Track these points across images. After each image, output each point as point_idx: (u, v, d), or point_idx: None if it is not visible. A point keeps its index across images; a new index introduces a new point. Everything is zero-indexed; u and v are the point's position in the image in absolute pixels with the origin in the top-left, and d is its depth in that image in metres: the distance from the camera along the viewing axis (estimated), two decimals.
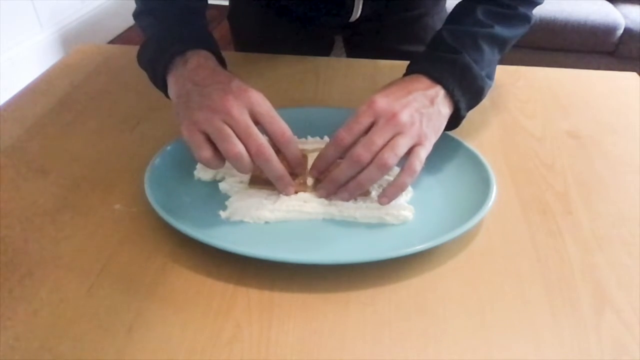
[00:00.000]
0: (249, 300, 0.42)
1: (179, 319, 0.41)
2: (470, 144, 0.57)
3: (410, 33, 0.89)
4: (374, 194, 0.51)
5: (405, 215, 0.49)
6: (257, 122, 0.47)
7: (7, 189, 0.54)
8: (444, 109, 0.53)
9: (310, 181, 0.51)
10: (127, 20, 2.80)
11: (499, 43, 0.60)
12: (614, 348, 0.39)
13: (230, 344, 0.39)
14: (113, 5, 2.74)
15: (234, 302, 0.42)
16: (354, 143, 0.48)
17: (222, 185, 0.53)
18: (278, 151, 0.48)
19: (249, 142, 0.46)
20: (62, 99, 0.70)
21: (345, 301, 0.42)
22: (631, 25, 2.14)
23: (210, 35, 0.58)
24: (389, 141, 0.47)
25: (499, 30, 0.59)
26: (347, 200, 0.49)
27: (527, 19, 0.62)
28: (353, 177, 0.48)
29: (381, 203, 0.48)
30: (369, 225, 0.49)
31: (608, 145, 0.62)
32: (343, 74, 0.77)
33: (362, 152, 0.47)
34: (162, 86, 0.55)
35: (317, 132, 0.59)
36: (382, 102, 0.49)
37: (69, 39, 2.40)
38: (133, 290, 0.43)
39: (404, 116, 0.48)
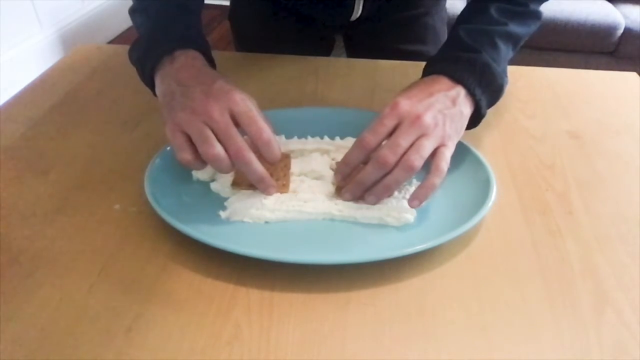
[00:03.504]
0: (249, 300, 0.42)
1: (179, 319, 0.41)
2: (470, 144, 0.57)
3: (411, 32, 0.89)
4: (397, 194, 0.51)
5: (407, 218, 0.48)
6: (237, 124, 0.47)
7: (7, 189, 0.54)
8: (465, 109, 0.53)
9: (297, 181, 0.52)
10: (127, 20, 2.79)
11: (514, 40, 0.60)
12: (614, 348, 0.39)
13: (230, 344, 0.39)
14: (113, 5, 2.73)
15: (234, 302, 0.42)
16: (378, 146, 0.49)
17: (214, 185, 0.53)
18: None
19: (228, 144, 0.46)
20: (62, 99, 0.70)
21: (345, 301, 0.42)
22: (631, 25, 2.14)
23: (201, 35, 0.58)
24: (413, 143, 0.48)
25: (513, 27, 0.59)
26: (374, 203, 0.49)
27: (538, 15, 0.63)
28: (378, 180, 0.48)
29: (412, 206, 0.48)
30: (369, 225, 0.49)
31: (608, 145, 0.62)
32: (343, 74, 0.77)
33: (388, 154, 0.47)
34: (150, 84, 0.55)
35: (317, 132, 0.59)
36: (406, 104, 0.49)
37: (69, 39, 2.40)
38: (133, 290, 0.43)
39: (428, 118, 0.48)
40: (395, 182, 0.48)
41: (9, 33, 2.07)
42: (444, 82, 0.53)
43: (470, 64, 0.54)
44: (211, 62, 0.56)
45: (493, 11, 0.59)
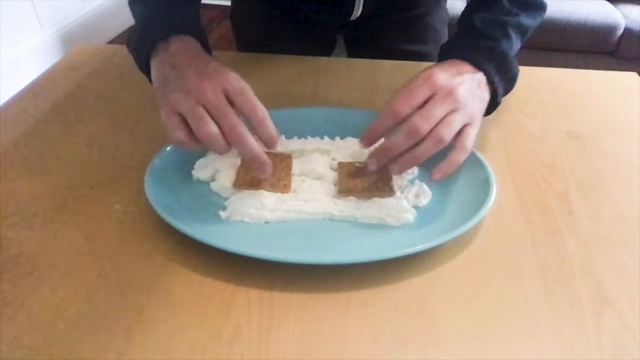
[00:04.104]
0: (249, 300, 0.42)
1: (179, 319, 0.41)
2: None
3: (411, 33, 0.89)
4: (399, 194, 0.51)
5: (407, 218, 0.49)
6: (232, 104, 0.47)
7: (8, 189, 0.54)
8: (485, 95, 0.54)
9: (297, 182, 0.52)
10: (127, 20, 2.80)
11: (523, 32, 0.60)
12: (614, 348, 0.39)
13: (230, 344, 0.39)
14: (113, 5, 2.73)
15: (234, 302, 0.42)
16: (408, 116, 0.48)
17: (214, 185, 0.53)
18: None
19: (222, 122, 0.45)
20: (62, 99, 0.70)
21: (345, 301, 0.42)
22: (631, 25, 2.14)
23: (197, 23, 0.58)
24: (444, 116, 0.47)
25: (524, 19, 0.60)
26: (398, 173, 0.49)
27: (544, 7, 0.64)
28: (406, 151, 0.48)
29: (435, 178, 0.48)
30: (369, 225, 0.49)
31: (608, 145, 0.62)
32: (343, 74, 0.77)
33: (422, 124, 0.46)
34: (147, 71, 0.55)
35: (317, 132, 0.59)
36: (441, 76, 0.49)
37: (69, 39, 2.40)
38: (133, 290, 0.43)
39: (462, 93, 0.48)
40: (423, 154, 0.47)
41: (9, 33, 2.07)
42: (467, 66, 0.53)
43: (489, 52, 0.55)
44: (207, 49, 0.56)
45: (505, 1, 0.60)
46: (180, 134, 0.46)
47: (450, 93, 0.48)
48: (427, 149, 0.47)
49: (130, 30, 0.58)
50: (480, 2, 0.62)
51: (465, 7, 0.63)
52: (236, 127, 0.45)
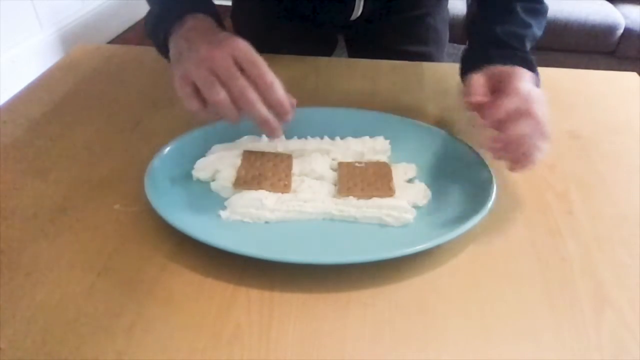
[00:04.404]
0: (249, 300, 0.42)
1: (179, 319, 0.41)
2: (471, 144, 0.57)
3: (413, 33, 0.89)
4: (398, 194, 0.51)
5: (406, 218, 0.49)
6: (242, 70, 0.47)
7: (7, 189, 0.54)
8: None
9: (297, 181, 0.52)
10: (127, 20, 2.80)
11: (532, 41, 0.63)
12: (614, 348, 0.39)
13: (230, 344, 0.39)
14: (113, 5, 2.73)
15: (234, 302, 0.42)
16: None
17: (214, 185, 0.53)
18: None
19: (231, 87, 0.46)
20: (62, 99, 0.70)
21: (345, 301, 0.42)
22: (631, 25, 2.14)
23: (210, 2, 0.59)
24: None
25: (536, 30, 0.63)
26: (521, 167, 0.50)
27: (547, 11, 0.65)
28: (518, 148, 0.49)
29: (512, 169, 0.49)
30: (369, 225, 0.49)
31: (608, 145, 0.62)
32: (343, 74, 0.77)
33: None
34: (165, 52, 0.56)
35: (317, 132, 0.59)
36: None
37: (69, 39, 2.40)
38: (133, 290, 0.43)
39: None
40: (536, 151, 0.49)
41: (9, 33, 2.07)
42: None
43: (525, 61, 0.57)
44: (221, 26, 0.57)
45: (521, 12, 0.62)
46: (194, 103, 0.48)
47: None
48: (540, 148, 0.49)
49: (145, 18, 0.59)
50: (496, 12, 0.63)
51: (478, 16, 0.65)
52: (244, 92, 0.46)
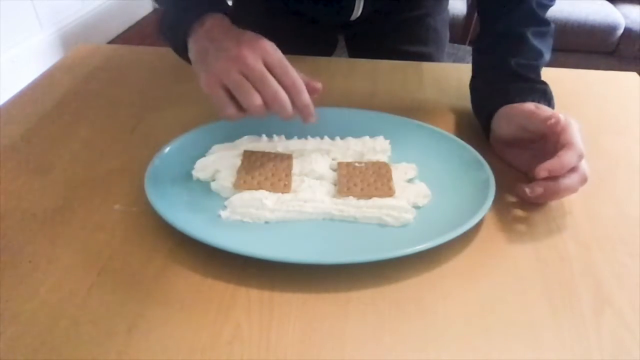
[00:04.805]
0: (249, 300, 0.42)
1: (179, 319, 0.41)
2: (470, 144, 0.57)
3: (412, 33, 0.89)
4: (398, 194, 0.51)
5: (406, 218, 0.49)
6: (270, 70, 0.49)
7: (7, 189, 0.54)
8: None
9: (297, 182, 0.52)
10: (127, 20, 2.80)
11: (544, 65, 0.64)
12: (614, 348, 0.39)
13: (230, 344, 0.39)
14: (113, 5, 2.73)
15: (234, 302, 0.42)
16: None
17: (214, 185, 0.53)
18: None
19: (265, 90, 0.49)
20: (62, 99, 0.70)
21: (345, 301, 0.42)
22: (631, 25, 2.14)
23: (225, 2, 0.61)
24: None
25: (546, 55, 0.64)
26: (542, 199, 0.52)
27: (554, 32, 0.66)
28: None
29: (538, 175, 0.49)
30: (369, 225, 0.49)
31: (608, 145, 0.62)
32: (343, 74, 0.77)
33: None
34: (183, 52, 0.57)
35: (317, 132, 0.59)
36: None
37: (69, 39, 2.40)
38: (133, 290, 0.43)
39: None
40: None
41: (9, 33, 2.07)
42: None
43: (544, 93, 0.59)
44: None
45: (532, 39, 0.62)
46: (231, 111, 0.50)
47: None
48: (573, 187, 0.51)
49: (160, 18, 0.60)
50: (509, 45, 0.63)
51: (493, 48, 0.65)
52: (277, 96, 0.49)
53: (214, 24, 0.55)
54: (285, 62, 0.50)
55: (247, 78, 0.49)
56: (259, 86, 0.49)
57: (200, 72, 0.52)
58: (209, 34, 0.54)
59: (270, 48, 0.50)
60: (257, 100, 0.48)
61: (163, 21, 0.60)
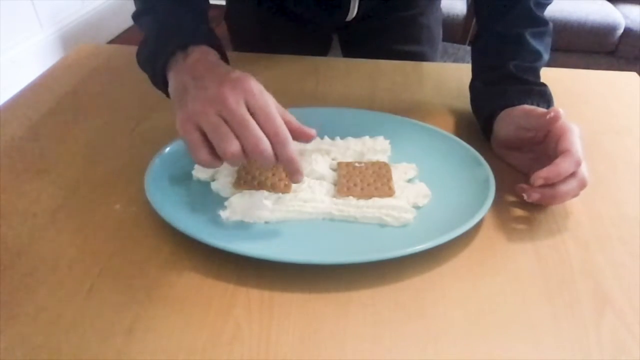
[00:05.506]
0: (249, 300, 0.42)
1: (179, 319, 0.41)
2: (470, 144, 0.57)
3: (406, 33, 0.89)
4: (398, 194, 0.51)
5: (406, 218, 0.49)
6: (252, 114, 0.44)
7: (7, 189, 0.54)
8: None
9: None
10: (127, 20, 2.80)
11: (543, 66, 0.64)
12: (614, 348, 0.39)
13: (230, 344, 0.39)
14: (113, 5, 2.74)
15: (234, 302, 0.42)
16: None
17: (214, 185, 0.53)
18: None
19: (244, 137, 0.43)
20: (62, 99, 0.70)
21: (345, 301, 0.42)
22: (631, 25, 2.14)
23: (212, 32, 0.57)
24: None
25: (545, 56, 0.64)
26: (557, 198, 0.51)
27: (552, 32, 0.66)
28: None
29: (534, 183, 0.49)
30: (369, 225, 0.49)
31: (608, 145, 0.62)
32: (342, 73, 0.77)
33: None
34: (162, 83, 0.53)
35: (317, 132, 0.59)
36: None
37: (69, 39, 2.40)
38: (133, 290, 0.43)
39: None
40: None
41: (9, 33, 2.07)
42: None
43: (543, 95, 0.59)
44: (224, 59, 0.54)
45: (531, 40, 0.62)
46: (203, 156, 0.44)
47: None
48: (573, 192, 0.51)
49: (140, 44, 0.56)
50: (507, 46, 0.63)
51: (493, 50, 0.65)
52: (258, 145, 0.43)
53: (199, 58, 0.50)
54: (270, 108, 0.44)
55: (226, 122, 0.43)
56: (238, 132, 0.43)
57: (177, 111, 0.47)
58: (192, 69, 0.49)
59: (256, 89, 0.45)
60: (234, 146, 0.43)
61: (142, 49, 0.55)
